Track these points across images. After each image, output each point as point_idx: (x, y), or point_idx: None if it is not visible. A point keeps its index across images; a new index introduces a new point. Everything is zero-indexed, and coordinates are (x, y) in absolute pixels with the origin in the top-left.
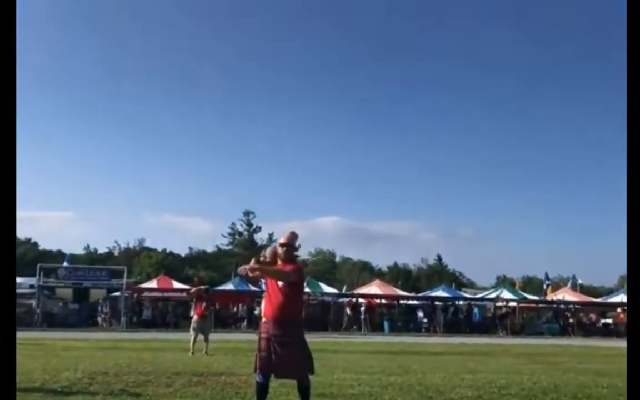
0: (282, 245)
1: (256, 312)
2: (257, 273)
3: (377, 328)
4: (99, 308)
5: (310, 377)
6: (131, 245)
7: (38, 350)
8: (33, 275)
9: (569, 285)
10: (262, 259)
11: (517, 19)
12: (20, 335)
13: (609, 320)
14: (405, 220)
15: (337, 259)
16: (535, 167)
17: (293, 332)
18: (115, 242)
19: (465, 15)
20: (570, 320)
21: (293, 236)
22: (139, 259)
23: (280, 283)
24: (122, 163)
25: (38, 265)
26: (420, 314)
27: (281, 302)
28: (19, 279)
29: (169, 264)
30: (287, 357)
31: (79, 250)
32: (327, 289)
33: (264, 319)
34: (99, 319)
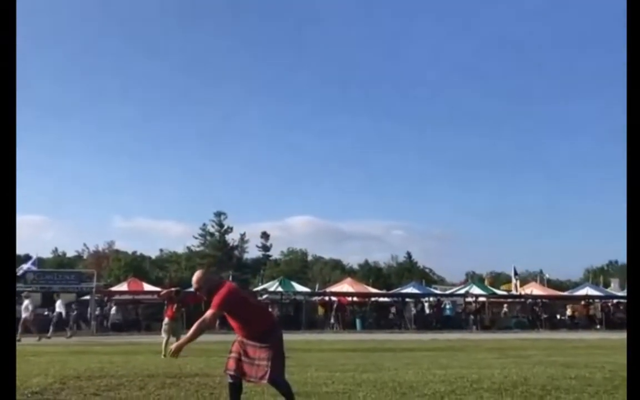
0: (196, 290)
1: None
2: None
3: (349, 326)
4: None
5: (287, 376)
6: (100, 248)
7: None
8: None
9: (537, 280)
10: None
11: None
12: None
13: (574, 313)
14: (376, 219)
15: (309, 258)
16: (501, 165)
17: (267, 338)
18: (84, 245)
19: None
20: (539, 314)
21: (197, 277)
22: (109, 262)
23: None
24: (91, 165)
25: None
26: (392, 310)
27: (243, 324)
28: None
29: (139, 266)
30: (256, 360)
31: (47, 254)
32: (299, 288)
33: (239, 338)
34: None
